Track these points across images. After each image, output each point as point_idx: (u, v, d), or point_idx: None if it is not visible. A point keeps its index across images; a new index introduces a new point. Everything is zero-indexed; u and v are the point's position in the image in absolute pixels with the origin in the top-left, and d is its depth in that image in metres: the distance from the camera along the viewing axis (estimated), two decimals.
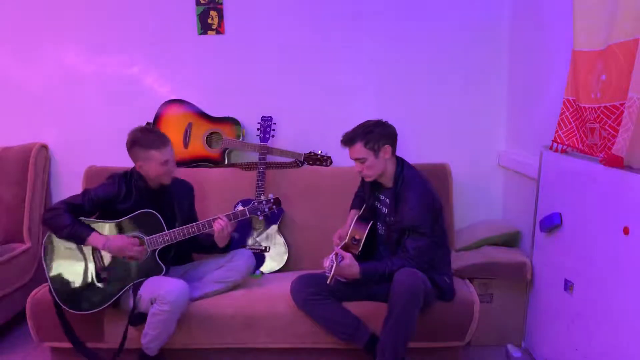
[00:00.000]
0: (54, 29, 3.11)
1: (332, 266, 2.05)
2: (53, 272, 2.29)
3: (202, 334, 2.33)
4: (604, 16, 1.95)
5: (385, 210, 2.35)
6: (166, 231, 2.31)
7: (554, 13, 2.52)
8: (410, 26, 3.05)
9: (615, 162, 1.80)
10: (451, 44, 3.06)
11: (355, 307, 2.29)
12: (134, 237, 2.32)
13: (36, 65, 3.15)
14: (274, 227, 2.84)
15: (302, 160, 2.93)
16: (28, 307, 2.36)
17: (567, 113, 2.22)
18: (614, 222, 1.83)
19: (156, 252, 2.31)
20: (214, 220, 2.31)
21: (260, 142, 2.90)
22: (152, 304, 2.19)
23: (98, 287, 2.28)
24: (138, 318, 2.26)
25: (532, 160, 2.59)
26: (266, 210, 2.36)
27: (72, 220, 2.25)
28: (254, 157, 2.96)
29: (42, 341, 2.40)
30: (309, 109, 3.14)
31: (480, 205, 3.15)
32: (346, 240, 2.35)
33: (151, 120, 3.02)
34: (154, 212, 2.32)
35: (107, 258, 2.30)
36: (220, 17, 3.07)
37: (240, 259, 2.46)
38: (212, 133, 3.03)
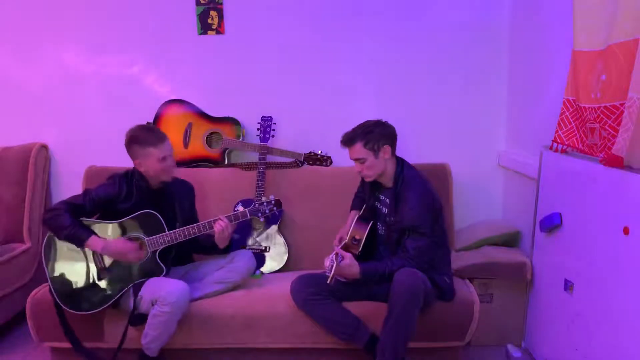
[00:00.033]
0: (54, 29, 3.11)
1: (332, 266, 2.05)
2: (53, 272, 2.29)
3: (202, 334, 2.33)
4: (604, 16, 1.95)
5: (385, 210, 2.35)
6: (167, 232, 2.31)
7: (554, 13, 2.52)
8: (410, 26, 3.06)
9: (615, 162, 1.80)
10: (451, 44, 3.06)
11: (355, 307, 2.29)
12: (135, 237, 2.32)
13: (36, 65, 3.15)
14: (274, 227, 2.84)
15: (302, 160, 2.93)
16: (28, 307, 2.36)
17: (567, 113, 2.22)
18: (614, 222, 1.83)
19: (157, 253, 2.31)
20: (214, 221, 2.31)
21: (260, 142, 2.90)
22: (152, 305, 2.19)
23: (98, 288, 2.28)
24: (138, 318, 2.26)
25: (532, 160, 2.59)
26: (267, 211, 2.36)
27: (72, 221, 2.24)
28: (254, 157, 2.96)
29: (42, 341, 2.40)
30: (309, 109, 3.14)
31: (480, 205, 3.15)
32: (346, 241, 2.35)
33: (151, 120, 3.02)
34: (154, 212, 2.32)
35: (107, 258, 2.30)
36: (220, 17, 3.07)
37: (241, 260, 2.46)
38: (212, 133, 3.03)
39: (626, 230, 1.76)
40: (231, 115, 3.04)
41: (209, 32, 3.09)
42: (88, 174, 2.91)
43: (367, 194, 2.48)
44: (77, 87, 3.16)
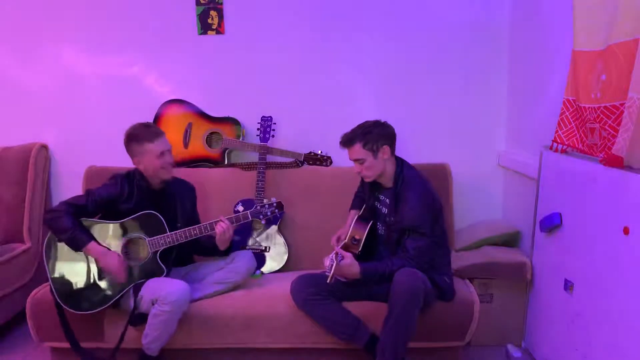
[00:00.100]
0: (54, 29, 3.11)
1: (332, 265, 2.05)
2: (54, 272, 2.29)
3: (202, 334, 2.33)
4: (604, 16, 1.95)
5: (385, 210, 2.35)
6: (168, 233, 2.31)
7: (554, 13, 2.52)
8: (410, 26, 3.06)
9: (615, 162, 1.80)
10: (451, 44, 3.06)
11: (355, 307, 2.29)
12: (137, 237, 2.32)
13: (36, 65, 3.15)
14: (274, 227, 2.84)
15: (302, 160, 2.93)
16: (28, 307, 2.36)
17: (567, 113, 2.22)
18: (614, 222, 1.83)
19: (157, 254, 2.31)
20: (216, 222, 2.31)
21: (260, 142, 2.90)
22: (153, 304, 2.19)
23: (99, 288, 2.28)
24: (138, 318, 2.26)
25: (532, 160, 2.59)
26: (268, 214, 2.35)
27: (73, 223, 2.23)
28: (254, 157, 2.96)
29: (42, 341, 2.40)
30: (309, 109, 3.14)
31: (480, 205, 3.15)
32: (346, 240, 2.35)
33: (151, 121, 3.02)
34: (156, 213, 2.32)
35: None
36: (220, 17, 3.07)
37: (241, 261, 2.46)
38: (212, 133, 3.03)
39: (626, 230, 1.76)
40: (231, 115, 3.04)
41: (209, 32, 3.09)
42: (88, 174, 2.91)
43: (367, 194, 2.48)
44: (77, 87, 3.16)
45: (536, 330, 2.47)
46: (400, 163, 2.32)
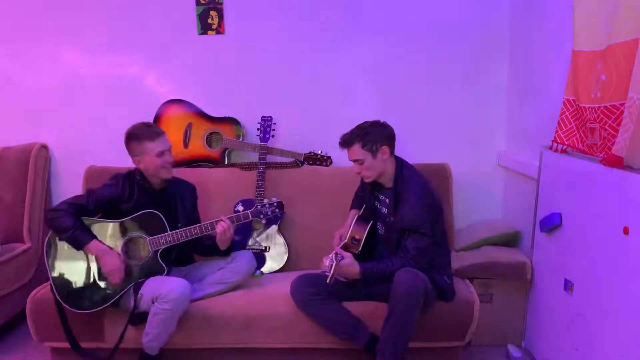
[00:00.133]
0: (53, 29, 3.11)
1: (331, 265, 2.05)
2: (55, 270, 2.29)
3: (202, 334, 2.33)
4: (604, 16, 1.95)
5: (385, 210, 2.35)
6: (169, 232, 2.31)
7: (554, 13, 2.52)
8: (410, 26, 3.05)
9: (615, 162, 1.80)
10: (451, 44, 3.06)
11: (355, 307, 2.29)
12: (138, 237, 2.33)
13: (36, 65, 3.15)
14: (274, 227, 2.84)
15: (302, 160, 2.93)
16: (28, 307, 2.36)
17: (567, 113, 2.22)
18: (614, 222, 1.83)
19: (158, 253, 2.31)
20: (216, 222, 2.31)
21: (260, 142, 2.90)
22: (153, 303, 2.19)
23: (99, 287, 2.28)
24: (138, 318, 2.26)
25: (532, 160, 2.59)
26: (269, 213, 2.35)
27: (74, 223, 2.24)
28: (254, 157, 2.95)
29: (42, 341, 2.40)
30: (309, 109, 3.14)
31: (480, 205, 3.15)
32: (346, 240, 2.35)
33: (151, 121, 3.02)
34: (157, 212, 2.32)
35: None
36: (220, 17, 3.07)
37: (242, 261, 2.46)
38: (212, 133, 3.03)
39: (626, 230, 1.76)
40: (231, 115, 3.04)
41: (209, 32, 3.09)
42: (88, 174, 2.91)
43: (367, 194, 2.48)
44: (77, 87, 3.16)
45: (536, 330, 2.47)
46: (400, 163, 2.32)
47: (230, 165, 3.03)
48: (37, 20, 3.11)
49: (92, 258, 2.29)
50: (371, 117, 2.34)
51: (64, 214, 2.24)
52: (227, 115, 3.04)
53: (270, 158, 2.93)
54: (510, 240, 2.83)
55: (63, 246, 2.30)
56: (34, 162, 3.03)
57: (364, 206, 2.49)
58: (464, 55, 3.06)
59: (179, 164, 2.92)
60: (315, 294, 2.26)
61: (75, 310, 2.25)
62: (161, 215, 2.32)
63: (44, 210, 3.06)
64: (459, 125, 3.12)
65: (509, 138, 3.09)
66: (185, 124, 3.04)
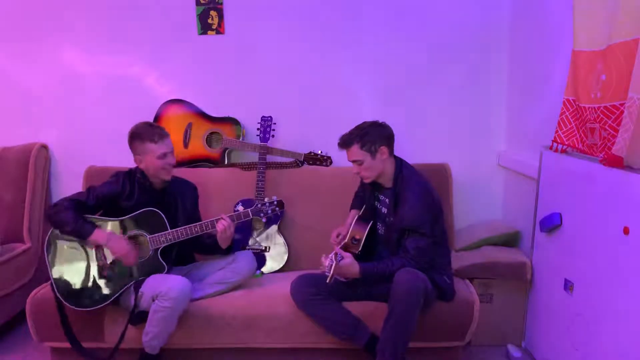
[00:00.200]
0: (53, 28, 3.11)
1: (331, 265, 2.05)
2: (55, 269, 2.29)
3: (203, 333, 2.33)
4: (604, 16, 1.95)
5: (385, 210, 2.35)
6: (169, 230, 2.31)
7: (554, 13, 2.52)
8: (410, 26, 3.05)
9: (615, 162, 1.80)
10: (451, 44, 3.06)
11: (355, 307, 2.29)
12: (138, 235, 2.32)
13: (36, 65, 3.15)
14: (274, 227, 2.85)
15: (302, 160, 2.93)
16: (28, 307, 2.36)
17: (567, 113, 2.22)
18: (614, 222, 1.83)
19: (159, 251, 2.31)
20: (217, 220, 2.32)
21: (260, 142, 2.90)
22: (153, 301, 2.19)
23: (100, 285, 2.29)
24: (138, 317, 2.26)
25: (532, 160, 2.59)
26: (269, 212, 2.36)
27: (75, 216, 2.24)
28: (254, 157, 2.96)
29: (42, 341, 2.40)
30: (309, 109, 3.14)
31: (480, 205, 3.15)
32: (346, 240, 2.35)
33: (151, 121, 3.02)
34: (157, 210, 2.33)
35: (109, 256, 2.30)
36: (220, 17, 3.07)
37: (242, 261, 2.46)
38: (212, 133, 3.03)
39: (626, 230, 1.76)
40: (231, 115, 3.04)
41: (209, 32, 3.09)
42: (88, 174, 2.91)
43: (366, 194, 2.48)
44: (77, 87, 3.16)
45: (536, 330, 2.47)
46: (399, 163, 2.32)
47: (230, 165, 3.03)
48: (37, 20, 3.11)
49: (92, 257, 2.30)
50: (371, 117, 2.34)
51: (64, 209, 2.24)
52: (227, 115, 3.04)
53: (270, 158, 2.93)
54: (510, 240, 2.83)
55: (63, 246, 2.30)
56: (34, 162, 3.03)
57: (364, 206, 2.49)
58: (464, 55, 3.06)
59: (179, 164, 2.92)
60: (315, 294, 2.26)
61: (76, 308, 2.26)
62: (161, 214, 2.33)
63: (44, 209, 3.06)
64: (459, 125, 3.12)
65: (509, 138, 3.09)
66: (185, 124, 3.04)
